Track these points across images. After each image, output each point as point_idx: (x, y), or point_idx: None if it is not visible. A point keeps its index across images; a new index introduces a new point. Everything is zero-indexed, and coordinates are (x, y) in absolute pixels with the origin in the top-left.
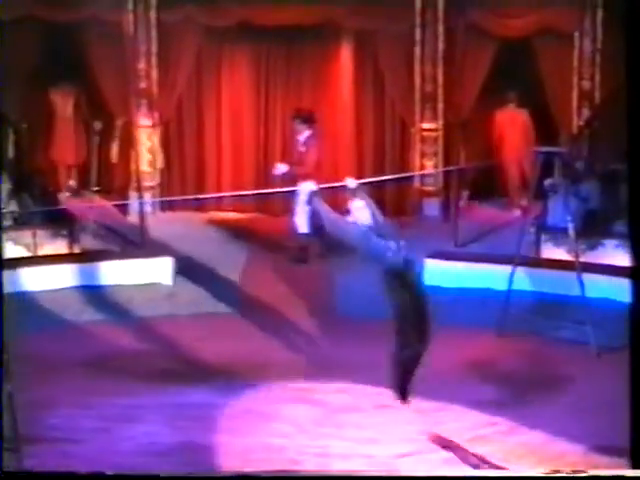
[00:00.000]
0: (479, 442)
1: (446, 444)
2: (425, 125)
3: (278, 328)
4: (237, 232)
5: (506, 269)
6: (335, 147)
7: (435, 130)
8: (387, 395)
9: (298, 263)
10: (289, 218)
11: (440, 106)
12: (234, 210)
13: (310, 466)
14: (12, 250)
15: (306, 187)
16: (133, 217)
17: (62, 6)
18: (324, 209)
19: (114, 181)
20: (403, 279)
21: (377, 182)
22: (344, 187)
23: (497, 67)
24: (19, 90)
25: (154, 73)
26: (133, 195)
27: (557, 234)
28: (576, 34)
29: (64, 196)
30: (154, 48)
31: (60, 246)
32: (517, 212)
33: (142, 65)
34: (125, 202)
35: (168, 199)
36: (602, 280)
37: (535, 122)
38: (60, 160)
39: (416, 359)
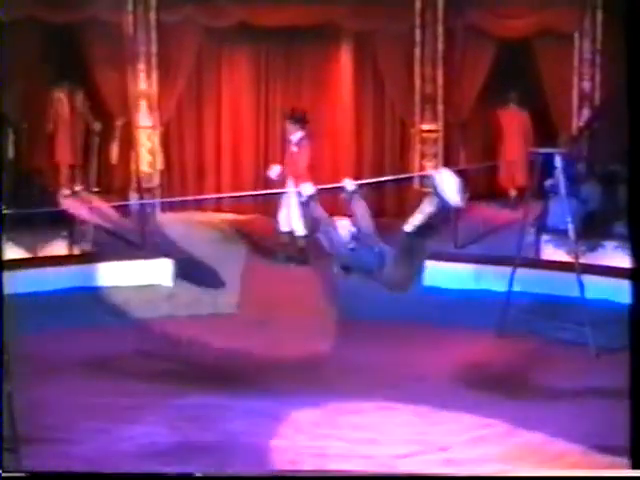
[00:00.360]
0: (478, 443)
1: (444, 445)
2: (425, 126)
3: (278, 329)
4: (237, 233)
5: (506, 270)
6: (335, 148)
7: (435, 131)
8: (386, 396)
9: (286, 261)
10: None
11: (440, 107)
12: (234, 211)
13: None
14: (12, 251)
15: (303, 189)
16: (133, 218)
17: (62, 7)
18: (320, 214)
19: (114, 182)
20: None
21: (376, 183)
22: (342, 189)
23: (497, 68)
24: (19, 90)
25: (154, 74)
26: (133, 196)
27: (557, 235)
28: (576, 35)
29: (64, 197)
30: (154, 49)
31: (60, 247)
32: (515, 212)
33: (142, 66)
34: (125, 203)
35: (168, 200)
36: (602, 281)
37: (535, 123)
38: (60, 161)
39: None
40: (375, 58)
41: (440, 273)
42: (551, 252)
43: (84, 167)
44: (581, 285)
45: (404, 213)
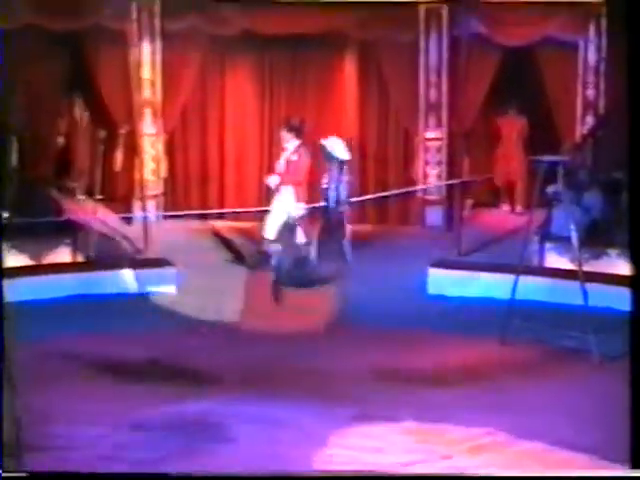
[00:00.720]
0: (479, 451)
1: (447, 454)
2: (429, 134)
3: (281, 336)
4: (240, 241)
5: (509, 278)
6: None
7: (439, 139)
8: (390, 404)
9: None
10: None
11: (444, 115)
12: (237, 219)
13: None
14: (16, 259)
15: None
16: (137, 226)
17: (66, 15)
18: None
19: (118, 189)
20: None
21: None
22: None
23: (501, 76)
24: (22, 98)
25: (158, 82)
26: (137, 204)
27: (561, 243)
28: (580, 42)
29: (68, 205)
30: (158, 57)
31: (64, 255)
32: (517, 217)
33: (146, 74)
34: (129, 211)
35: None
36: (605, 289)
37: (539, 130)
38: (64, 168)
39: None
40: (379, 66)
41: (444, 281)
42: (555, 260)
43: (88, 175)
44: (585, 293)
45: (408, 221)
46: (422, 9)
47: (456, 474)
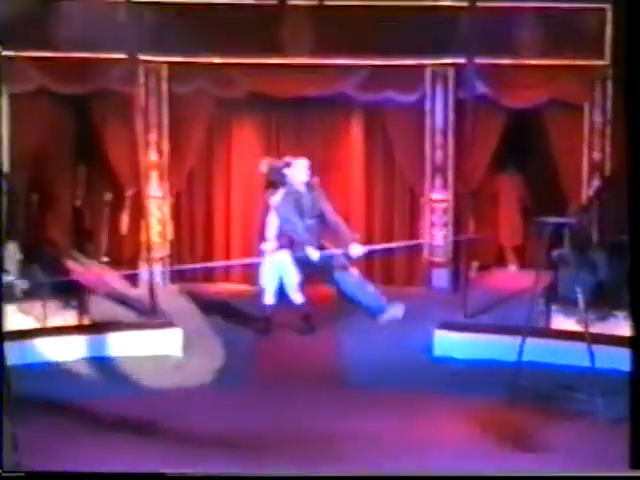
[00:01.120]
0: None
1: None
2: (435, 195)
3: (286, 399)
4: (246, 304)
5: (516, 340)
6: (345, 216)
7: (445, 201)
8: (397, 467)
9: (261, 334)
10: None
11: (450, 177)
12: (243, 282)
13: None
14: (22, 321)
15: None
16: (143, 288)
17: (72, 79)
18: None
19: (124, 252)
20: None
21: (386, 251)
22: None
23: (507, 137)
24: (29, 161)
25: (165, 144)
26: (143, 266)
27: (567, 305)
28: (586, 105)
29: (74, 267)
30: (165, 120)
31: (70, 317)
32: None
33: (153, 136)
34: (135, 273)
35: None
36: (612, 351)
37: (544, 192)
38: (71, 231)
39: None
40: (385, 128)
41: (450, 343)
42: (561, 321)
43: (94, 237)
44: (591, 355)
45: (413, 282)
46: (428, 71)
47: (456, 474)
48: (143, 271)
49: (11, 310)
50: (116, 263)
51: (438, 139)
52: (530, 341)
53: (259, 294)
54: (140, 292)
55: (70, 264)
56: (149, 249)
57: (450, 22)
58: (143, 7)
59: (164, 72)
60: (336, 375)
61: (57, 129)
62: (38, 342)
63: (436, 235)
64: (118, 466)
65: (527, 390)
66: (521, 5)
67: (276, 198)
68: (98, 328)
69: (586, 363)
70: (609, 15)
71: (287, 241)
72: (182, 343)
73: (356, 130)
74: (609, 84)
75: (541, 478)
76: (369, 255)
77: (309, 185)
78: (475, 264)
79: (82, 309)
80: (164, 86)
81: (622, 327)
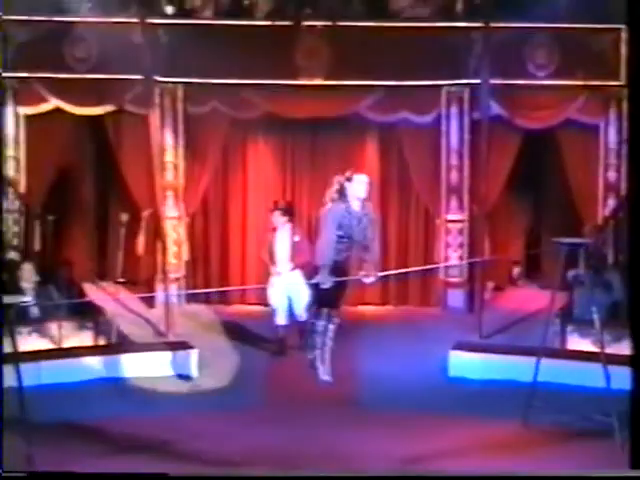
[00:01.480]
0: None
1: None
2: (450, 216)
3: (300, 422)
4: (261, 325)
5: (531, 360)
6: None
7: (460, 221)
8: None
9: (276, 355)
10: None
11: (465, 197)
12: (258, 303)
13: None
14: (37, 342)
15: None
16: (158, 309)
17: (88, 100)
18: None
19: (140, 272)
20: None
21: (402, 273)
22: None
23: (522, 158)
24: (45, 182)
25: (181, 165)
26: (159, 287)
27: (583, 325)
28: (601, 125)
29: (90, 288)
30: (181, 140)
31: (85, 338)
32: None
33: (169, 157)
34: (150, 294)
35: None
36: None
37: (560, 212)
38: (87, 251)
39: None
40: (400, 148)
41: (465, 363)
42: (577, 342)
43: (110, 258)
44: (607, 375)
45: (429, 302)
46: (443, 92)
47: (456, 474)
48: (159, 292)
49: (26, 331)
50: (132, 284)
51: (453, 160)
52: (545, 362)
53: (272, 315)
54: (156, 313)
55: (86, 285)
56: (165, 270)
57: (465, 43)
58: (158, 29)
59: (180, 93)
60: (351, 396)
61: (73, 150)
62: (54, 363)
63: (451, 256)
64: None
65: (542, 411)
66: (536, 26)
67: (327, 207)
68: (114, 349)
69: (602, 384)
70: (624, 35)
71: (305, 261)
72: (197, 364)
73: (371, 151)
74: (624, 104)
75: (541, 478)
76: (384, 276)
77: (364, 203)
78: (490, 284)
79: (98, 330)
80: (180, 107)
81: None
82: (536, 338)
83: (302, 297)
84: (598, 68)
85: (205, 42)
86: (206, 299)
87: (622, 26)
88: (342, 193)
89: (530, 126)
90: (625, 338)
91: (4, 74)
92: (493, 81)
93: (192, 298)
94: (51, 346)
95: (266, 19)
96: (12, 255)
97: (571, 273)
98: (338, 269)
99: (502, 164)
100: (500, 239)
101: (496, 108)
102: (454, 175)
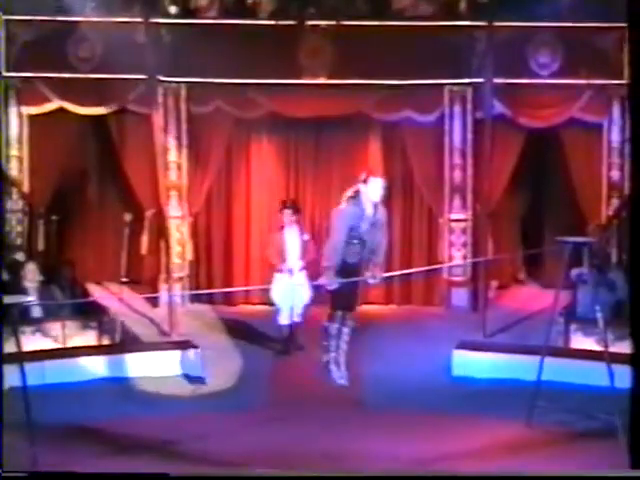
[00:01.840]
0: None
1: None
2: (454, 215)
3: (303, 422)
4: (265, 324)
5: (535, 359)
6: None
7: (464, 220)
8: None
9: (280, 355)
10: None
11: (469, 196)
12: (262, 303)
13: None
14: (41, 342)
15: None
16: (162, 308)
17: (92, 99)
18: None
19: (143, 272)
20: None
21: (405, 272)
22: None
23: (525, 157)
24: (49, 182)
25: (184, 165)
26: (162, 286)
27: (586, 324)
28: (605, 124)
29: (94, 288)
30: (184, 140)
31: (89, 338)
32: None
33: (172, 157)
34: (154, 294)
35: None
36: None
37: (563, 211)
38: (90, 251)
39: None
40: (404, 147)
41: (468, 362)
42: (580, 341)
43: (114, 257)
44: (611, 374)
45: (433, 302)
46: (446, 91)
47: (456, 474)
48: (162, 292)
49: (30, 331)
50: (135, 283)
51: (457, 159)
52: (549, 360)
53: (276, 315)
54: (159, 312)
55: (89, 285)
56: (168, 269)
57: (468, 42)
58: (162, 28)
59: (183, 92)
60: (355, 395)
61: (76, 150)
62: (57, 363)
63: (455, 255)
64: None
65: (546, 410)
66: (539, 25)
67: (341, 207)
68: (117, 348)
69: (605, 382)
70: (627, 34)
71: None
72: (201, 363)
73: (374, 150)
74: (627, 103)
75: (541, 478)
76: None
77: (377, 207)
78: (494, 283)
79: (101, 330)
80: (183, 106)
81: None
82: (540, 337)
83: (304, 297)
84: (601, 67)
85: (208, 42)
86: (210, 299)
87: (625, 25)
88: (357, 195)
89: (533, 125)
90: (629, 337)
91: (8, 74)
92: (496, 80)
93: (196, 298)
94: (55, 346)
95: (270, 18)
96: (16, 255)
97: (575, 272)
98: (349, 271)
99: (505, 163)
100: (503, 238)
101: (499, 107)
102: (457, 174)
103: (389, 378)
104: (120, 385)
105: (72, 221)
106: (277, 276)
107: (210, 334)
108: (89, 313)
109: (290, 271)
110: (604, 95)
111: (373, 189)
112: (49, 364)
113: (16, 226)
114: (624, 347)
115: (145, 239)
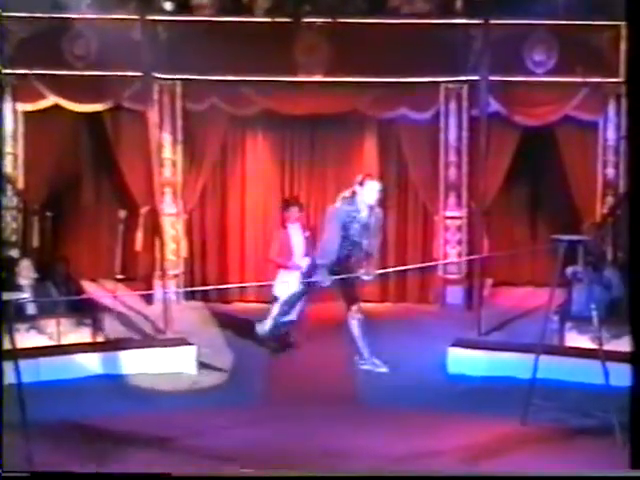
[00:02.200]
0: None
1: None
2: (449, 213)
3: (300, 419)
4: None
5: (530, 357)
6: None
7: (459, 218)
8: None
9: (276, 352)
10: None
11: (464, 194)
12: (257, 300)
13: None
14: (36, 339)
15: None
16: (157, 305)
17: (88, 96)
18: None
19: (138, 269)
20: None
21: (400, 270)
22: None
23: (521, 155)
24: (43, 179)
25: (179, 162)
26: (157, 283)
27: (581, 322)
28: (600, 122)
29: (88, 285)
30: (179, 137)
31: (84, 335)
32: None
33: (167, 154)
34: (149, 291)
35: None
36: (627, 369)
37: (559, 209)
38: (85, 247)
39: None
40: (399, 145)
41: (464, 360)
42: (575, 339)
43: (108, 254)
44: (606, 372)
45: (427, 300)
46: (442, 88)
47: (456, 474)
48: (157, 289)
49: (25, 328)
50: (130, 280)
51: (452, 156)
52: (544, 358)
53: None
54: (154, 309)
55: (84, 282)
56: (163, 266)
57: (464, 40)
58: (157, 25)
59: (178, 90)
60: (350, 393)
61: (71, 147)
62: (52, 360)
63: (450, 253)
64: None
65: (541, 408)
66: (534, 22)
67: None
68: (112, 345)
69: (600, 381)
70: (623, 32)
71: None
72: (196, 360)
73: (370, 147)
74: (623, 100)
75: (541, 478)
76: (383, 273)
77: (372, 209)
78: (489, 281)
79: (96, 327)
80: (178, 104)
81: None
82: (535, 335)
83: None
84: (597, 65)
85: (204, 39)
86: (204, 296)
87: (621, 23)
88: (353, 196)
89: (529, 123)
90: (623, 335)
91: (3, 70)
92: (492, 78)
93: (191, 295)
94: (49, 343)
95: (265, 16)
96: (10, 252)
97: (570, 270)
98: (342, 268)
99: (500, 161)
100: (498, 236)
101: (495, 105)
102: (453, 172)
103: (384, 375)
104: (115, 382)
105: (67, 218)
106: (283, 273)
107: (205, 331)
108: (84, 310)
109: (299, 268)
110: (600, 93)
111: (369, 192)
112: (44, 361)
113: (10, 223)
114: (619, 345)
115: (140, 236)
